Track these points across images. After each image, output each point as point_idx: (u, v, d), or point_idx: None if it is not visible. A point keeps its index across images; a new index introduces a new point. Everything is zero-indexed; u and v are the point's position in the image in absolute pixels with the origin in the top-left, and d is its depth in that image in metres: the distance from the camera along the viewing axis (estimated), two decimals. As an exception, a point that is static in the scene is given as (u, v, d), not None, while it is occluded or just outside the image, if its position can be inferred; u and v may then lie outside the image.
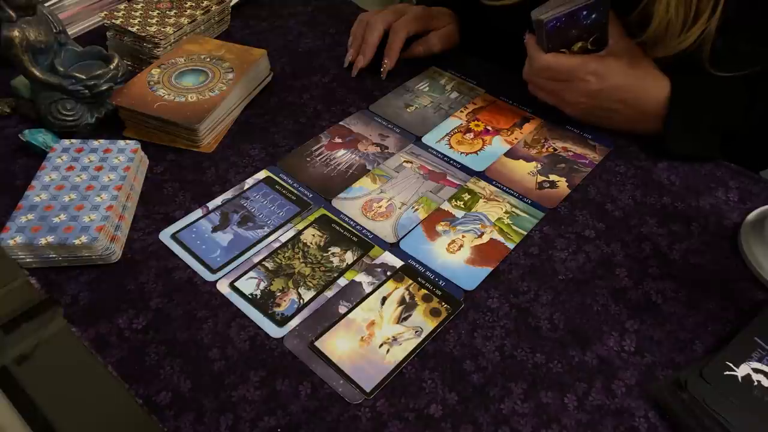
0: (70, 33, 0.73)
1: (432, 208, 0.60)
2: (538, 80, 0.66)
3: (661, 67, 0.63)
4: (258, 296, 0.52)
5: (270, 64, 0.75)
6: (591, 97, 0.63)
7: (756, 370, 0.44)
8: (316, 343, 0.48)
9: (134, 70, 0.76)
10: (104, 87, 0.65)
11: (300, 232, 0.57)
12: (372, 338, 0.49)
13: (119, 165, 0.59)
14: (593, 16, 0.60)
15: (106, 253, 0.53)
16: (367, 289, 0.52)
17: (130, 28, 0.75)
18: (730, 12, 0.57)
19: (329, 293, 0.52)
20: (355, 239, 0.57)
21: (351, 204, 0.60)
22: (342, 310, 0.51)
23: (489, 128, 0.70)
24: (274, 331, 0.49)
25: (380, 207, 0.60)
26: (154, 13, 0.79)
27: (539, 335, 0.49)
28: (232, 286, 0.52)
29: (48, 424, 0.45)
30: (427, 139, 0.68)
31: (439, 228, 0.58)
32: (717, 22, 0.57)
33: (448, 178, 0.63)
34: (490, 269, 0.54)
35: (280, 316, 0.50)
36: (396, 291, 0.52)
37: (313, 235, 0.57)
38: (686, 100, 0.62)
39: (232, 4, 0.86)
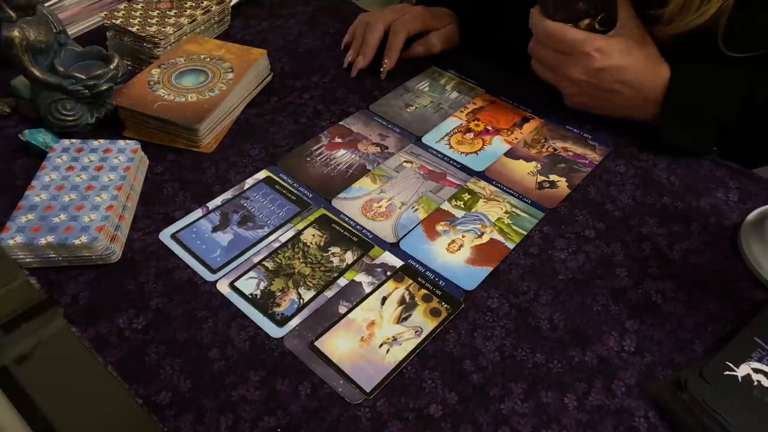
0: (70, 33, 0.73)
1: (432, 208, 0.60)
2: (541, 51, 0.65)
3: (672, 48, 0.62)
4: (258, 296, 0.52)
5: (270, 64, 0.75)
6: (592, 75, 0.62)
7: (756, 370, 0.45)
8: (316, 343, 0.48)
9: (134, 70, 0.76)
10: (104, 87, 0.65)
11: (300, 232, 0.57)
12: (372, 338, 0.49)
13: (119, 165, 0.59)
14: None
15: (106, 253, 0.53)
16: (367, 289, 0.52)
17: (130, 28, 0.75)
18: None
19: (329, 293, 0.52)
20: (355, 239, 0.57)
21: (351, 204, 0.60)
22: (342, 310, 0.51)
23: (489, 128, 0.70)
24: (274, 331, 0.49)
25: (380, 207, 0.60)
26: (154, 13, 0.79)
27: (539, 335, 0.49)
28: (232, 286, 0.52)
29: (48, 424, 0.45)
30: (427, 139, 0.68)
31: (439, 228, 0.58)
32: None
33: (448, 178, 0.63)
34: (490, 269, 0.54)
35: (280, 316, 0.50)
36: (396, 291, 0.52)
37: (313, 235, 0.57)
38: (684, 87, 0.62)
39: (232, 4, 0.86)
